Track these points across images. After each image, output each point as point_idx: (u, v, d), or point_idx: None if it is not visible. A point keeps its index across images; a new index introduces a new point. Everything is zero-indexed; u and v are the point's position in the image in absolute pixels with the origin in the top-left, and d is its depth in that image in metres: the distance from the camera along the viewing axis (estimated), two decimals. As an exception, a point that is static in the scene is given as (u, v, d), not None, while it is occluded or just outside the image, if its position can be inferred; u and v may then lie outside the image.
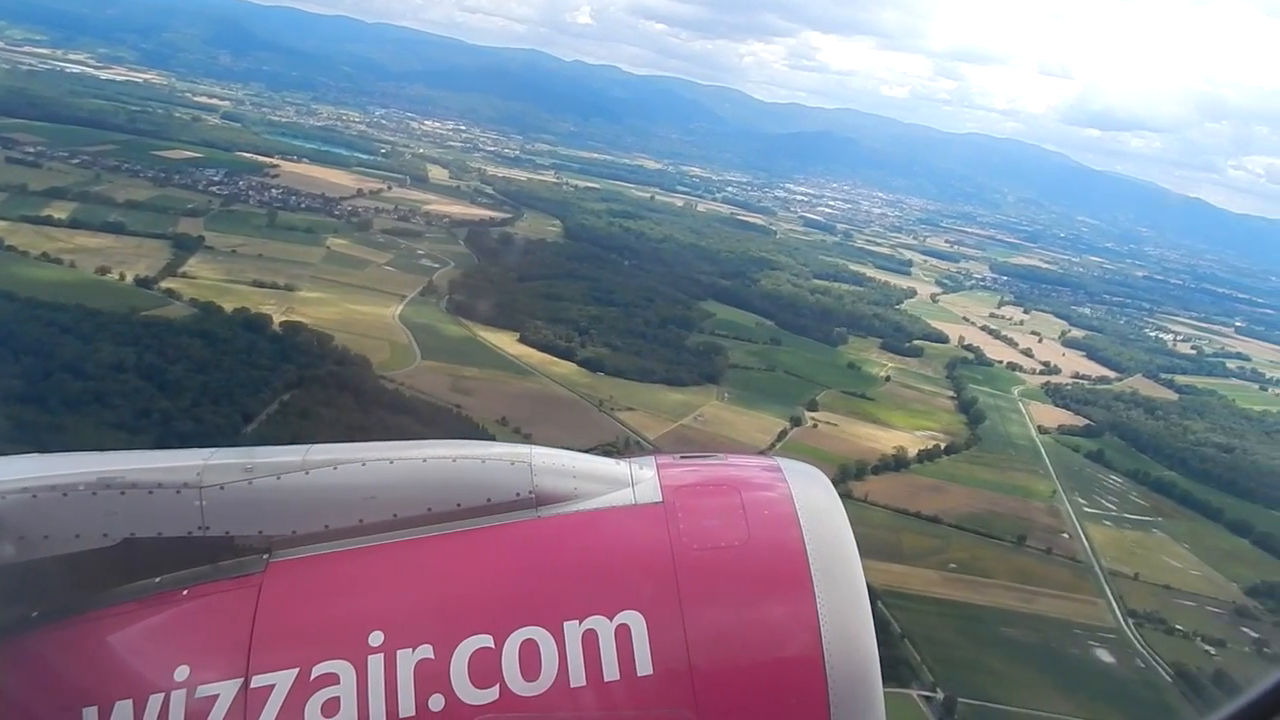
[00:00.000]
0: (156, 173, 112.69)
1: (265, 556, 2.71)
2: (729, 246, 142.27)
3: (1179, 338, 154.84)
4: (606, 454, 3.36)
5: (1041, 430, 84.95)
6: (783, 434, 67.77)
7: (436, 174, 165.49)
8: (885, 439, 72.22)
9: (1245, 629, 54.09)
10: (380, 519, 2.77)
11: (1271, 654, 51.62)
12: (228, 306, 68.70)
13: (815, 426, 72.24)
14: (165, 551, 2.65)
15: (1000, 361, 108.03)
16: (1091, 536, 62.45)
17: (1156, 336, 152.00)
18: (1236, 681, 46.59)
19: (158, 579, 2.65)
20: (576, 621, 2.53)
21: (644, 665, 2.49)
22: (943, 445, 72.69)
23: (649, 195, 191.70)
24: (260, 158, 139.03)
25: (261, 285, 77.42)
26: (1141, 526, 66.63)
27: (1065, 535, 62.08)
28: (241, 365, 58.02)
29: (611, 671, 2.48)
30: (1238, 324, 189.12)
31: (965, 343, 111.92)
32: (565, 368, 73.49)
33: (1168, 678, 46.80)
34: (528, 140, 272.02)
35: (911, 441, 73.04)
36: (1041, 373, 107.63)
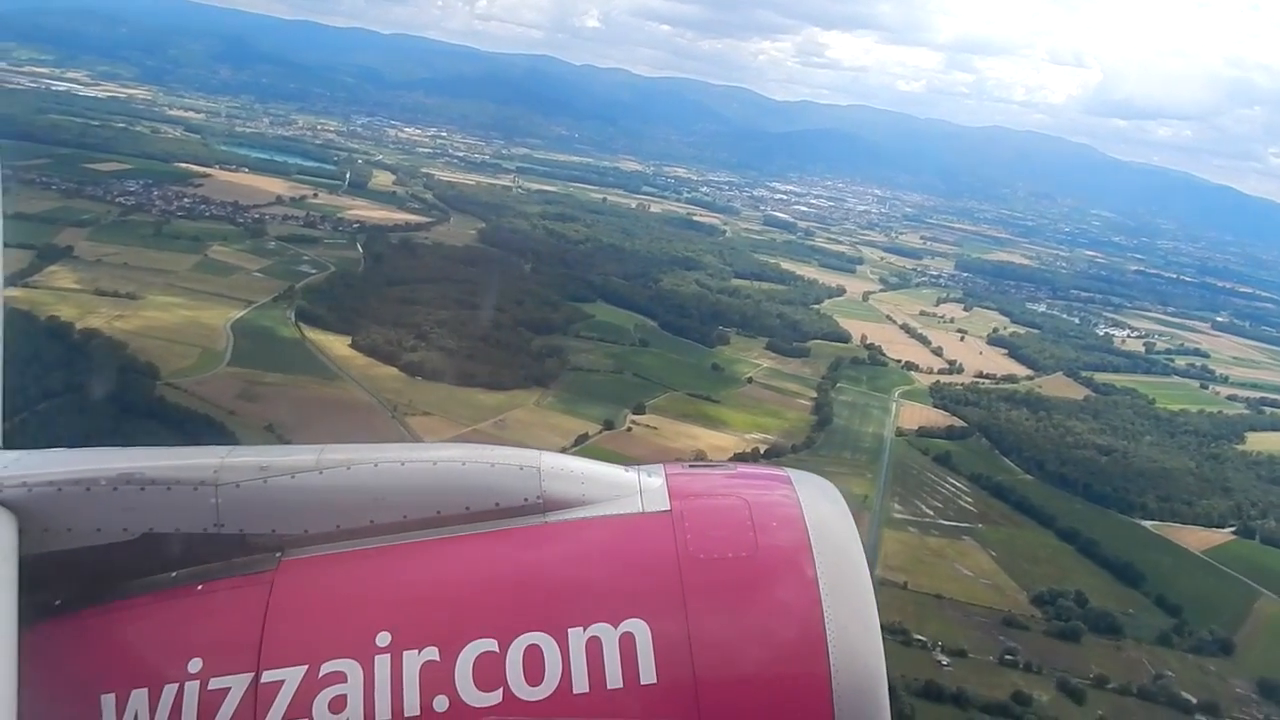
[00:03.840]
0: (71, 185, 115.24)
1: (278, 555, 2.77)
2: (655, 247, 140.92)
3: (1135, 334, 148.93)
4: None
5: (900, 432, 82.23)
6: (583, 437, 66.48)
7: (382, 180, 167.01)
8: (705, 442, 70.46)
9: (1003, 638, 51.47)
10: (390, 520, 2.83)
11: (1012, 662, 48.89)
12: (46, 315, 69.72)
13: (630, 430, 70.86)
14: (182, 547, 2.75)
15: (899, 361, 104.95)
16: (884, 544, 59.99)
17: (1106, 333, 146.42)
18: (945, 691, 44.36)
19: (174, 574, 2.75)
20: (581, 628, 2.56)
21: (648, 674, 2.52)
22: (763, 449, 70.67)
23: (602, 197, 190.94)
24: (196, 168, 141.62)
25: (104, 294, 78.58)
26: (952, 534, 63.88)
27: (852, 542, 59.63)
28: (7, 373, 58.67)
29: (615, 679, 2.51)
30: (1218, 319, 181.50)
31: (867, 342, 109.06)
32: (385, 371, 73.25)
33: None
34: (510, 145, 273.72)
35: (735, 444, 71.17)
36: (943, 372, 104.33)
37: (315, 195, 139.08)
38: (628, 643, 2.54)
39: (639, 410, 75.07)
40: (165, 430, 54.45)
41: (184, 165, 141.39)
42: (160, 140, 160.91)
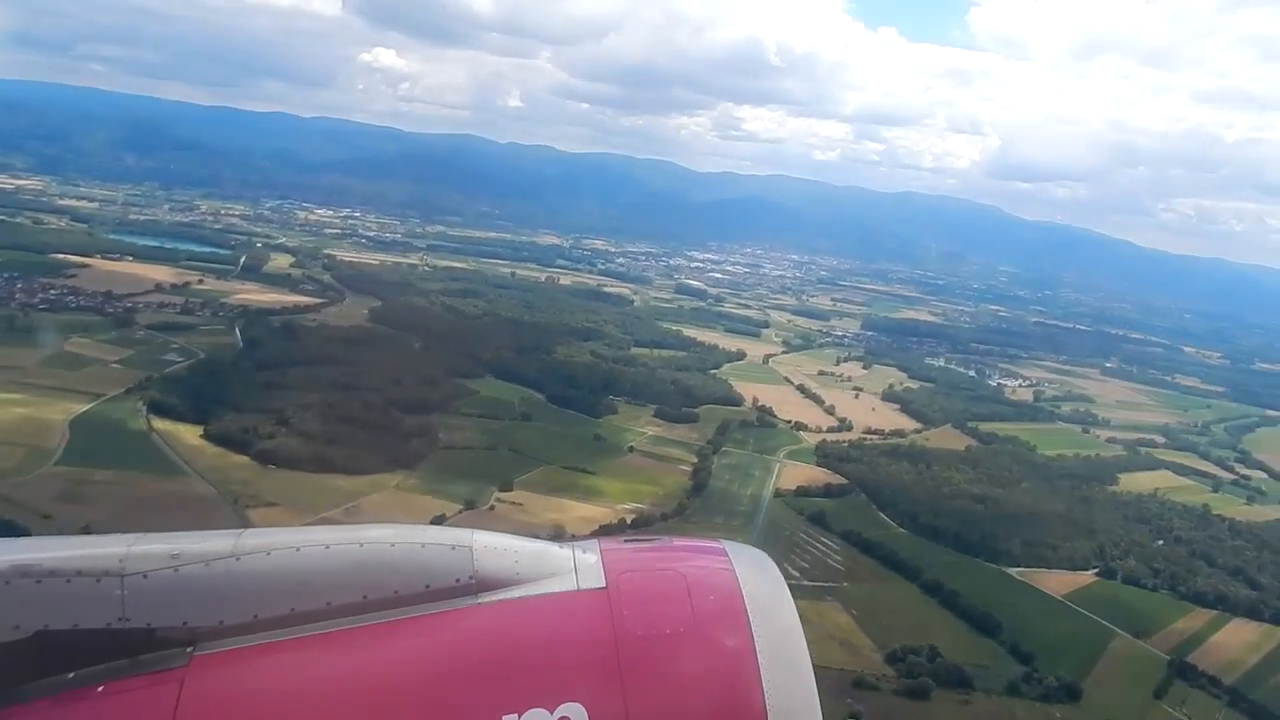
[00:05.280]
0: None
1: (189, 649, 2.58)
2: (556, 319, 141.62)
3: (1026, 383, 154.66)
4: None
5: (778, 493, 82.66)
6: (440, 518, 64.63)
7: (279, 263, 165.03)
8: (573, 514, 69.60)
9: (851, 700, 50.98)
10: (313, 607, 2.68)
11: (855, 729, 48.45)
12: None
13: (492, 508, 69.58)
14: (81, 644, 2.53)
15: (789, 421, 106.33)
16: (742, 609, 59.35)
17: (999, 383, 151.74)
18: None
19: (71, 674, 2.52)
20: (516, 715, 2.46)
21: None
22: (630, 519, 70.01)
23: (510, 272, 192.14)
24: (74, 258, 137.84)
25: (-67, 394, 74.58)
26: (815, 595, 63.55)
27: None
28: None
29: None
30: (1107, 364, 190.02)
31: (758, 404, 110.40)
32: (235, 461, 70.79)
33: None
34: (426, 223, 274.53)
35: (605, 515, 70.42)
36: (832, 430, 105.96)
37: (201, 281, 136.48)
38: None
39: (506, 487, 73.86)
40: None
41: (60, 256, 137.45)
42: (39, 231, 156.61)
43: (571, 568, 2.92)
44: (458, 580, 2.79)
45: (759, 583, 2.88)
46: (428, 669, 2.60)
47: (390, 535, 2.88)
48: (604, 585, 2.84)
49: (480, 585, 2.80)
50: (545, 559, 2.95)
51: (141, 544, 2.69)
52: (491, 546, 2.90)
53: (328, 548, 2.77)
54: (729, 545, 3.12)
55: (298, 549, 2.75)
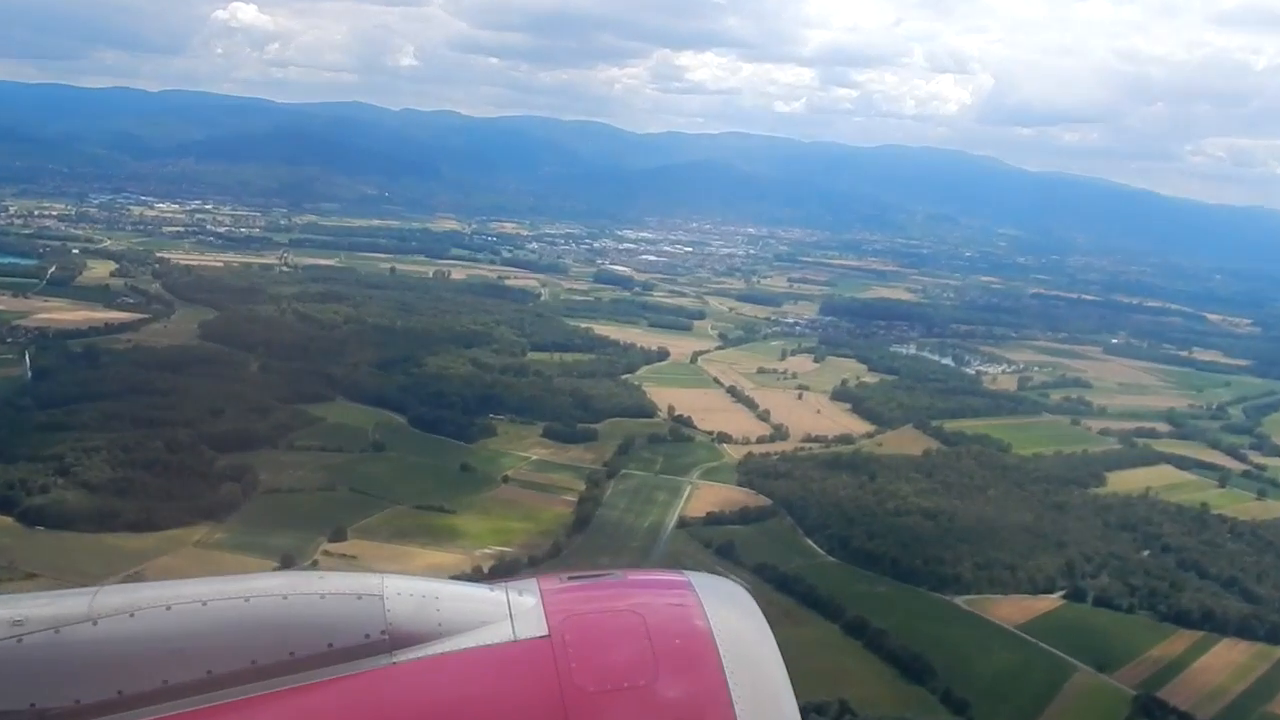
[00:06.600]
0: None
1: None
2: (437, 323, 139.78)
3: (1011, 369, 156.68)
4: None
5: (683, 522, 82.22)
6: (243, 583, 62.98)
7: (98, 272, 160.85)
8: (413, 566, 67.48)
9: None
10: (191, 678, 2.62)
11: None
12: None
13: (315, 564, 67.90)
14: None
15: (710, 433, 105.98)
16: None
17: (978, 371, 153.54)
18: None
19: None
20: None
21: None
22: (487, 567, 68.78)
23: (390, 268, 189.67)
24: None
25: None
26: (711, 643, 63.24)
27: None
28: None
29: None
30: (1113, 341, 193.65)
31: (675, 414, 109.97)
32: (-9, 525, 68.29)
33: None
34: (295, 213, 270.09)
35: (456, 564, 69.04)
36: (763, 440, 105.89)
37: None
38: None
39: (339, 536, 72.29)
40: None
41: None
42: None
43: (506, 614, 2.84)
44: (367, 636, 2.72)
45: (732, 620, 2.82)
46: None
47: (282, 585, 2.82)
48: (546, 633, 2.76)
49: (395, 641, 2.72)
50: (474, 605, 2.87)
51: None
52: (407, 593, 2.82)
53: (205, 604, 2.69)
54: (694, 577, 3.06)
55: (168, 608, 2.66)
